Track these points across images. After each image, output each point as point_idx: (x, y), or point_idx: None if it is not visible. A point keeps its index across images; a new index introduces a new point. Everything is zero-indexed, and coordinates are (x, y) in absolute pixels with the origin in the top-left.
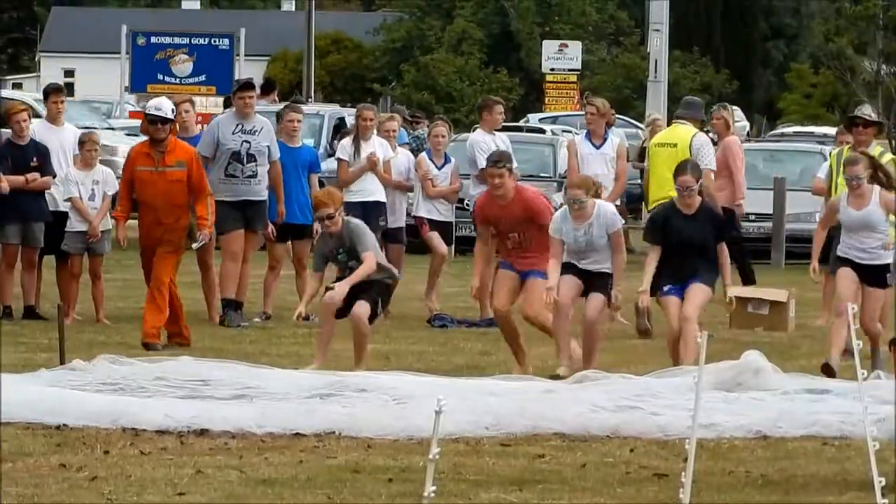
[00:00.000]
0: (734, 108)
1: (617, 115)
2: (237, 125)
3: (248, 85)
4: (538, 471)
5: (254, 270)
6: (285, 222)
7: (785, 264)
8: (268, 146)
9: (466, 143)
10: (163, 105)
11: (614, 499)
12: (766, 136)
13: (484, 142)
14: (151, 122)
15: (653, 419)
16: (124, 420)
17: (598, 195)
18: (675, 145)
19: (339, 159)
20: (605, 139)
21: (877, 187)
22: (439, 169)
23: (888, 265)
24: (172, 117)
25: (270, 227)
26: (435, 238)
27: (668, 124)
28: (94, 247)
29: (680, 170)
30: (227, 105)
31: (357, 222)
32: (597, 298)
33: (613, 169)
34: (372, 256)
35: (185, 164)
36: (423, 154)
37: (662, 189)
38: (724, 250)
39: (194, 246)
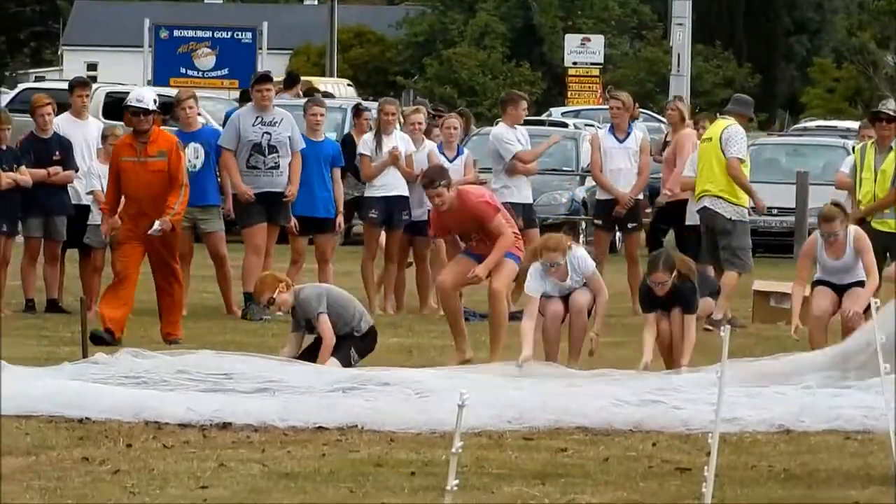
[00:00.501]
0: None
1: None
2: (257, 117)
3: (264, 77)
4: (561, 465)
5: (278, 264)
6: (307, 216)
7: None
8: (289, 136)
9: (489, 136)
10: (144, 96)
11: (637, 493)
12: (788, 130)
13: (507, 136)
14: (134, 114)
15: (675, 413)
16: (147, 413)
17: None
18: (711, 139)
19: (361, 154)
20: (628, 133)
21: (851, 230)
22: (451, 162)
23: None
24: (154, 108)
25: (293, 221)
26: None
27: (692, 117)
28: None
29: (652, 266)
30: (243, 99)
31: (306, 294)
32: (583, 294)
33: (636, 163)
34: (325, 321)
35: (167, 153)
36: (434, 147)
37: (703, 183)
38: (690, 326)
39: (150, 231)
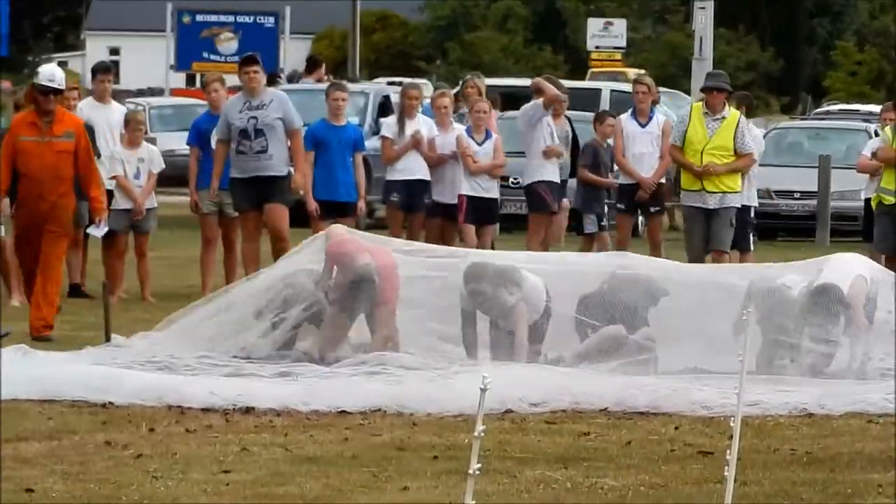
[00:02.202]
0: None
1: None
2: (245, 102)
3: (249, 59)
4: (583, 448)
5: None
6: (329, 200)
7: (830, 242)
8: (279, 118)
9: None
10: (55, 75)
11: (659, 476)
12: (811, 114)
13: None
14: (42, 93)
15: (698, 395)
16: (170, 398)
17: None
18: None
19: (383, 137)
20: (650, 118)
21: None
22: (480, 145)
23: None
24: (64, 88)
25: (315, 206)
26: (468, 231)
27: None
28: (139, 225)
29: None
30: (269, 84)
31: None
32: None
33: (659, 147)
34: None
35: (74, 134)
36: (463, 131)
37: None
38: None
39: (93, 232)
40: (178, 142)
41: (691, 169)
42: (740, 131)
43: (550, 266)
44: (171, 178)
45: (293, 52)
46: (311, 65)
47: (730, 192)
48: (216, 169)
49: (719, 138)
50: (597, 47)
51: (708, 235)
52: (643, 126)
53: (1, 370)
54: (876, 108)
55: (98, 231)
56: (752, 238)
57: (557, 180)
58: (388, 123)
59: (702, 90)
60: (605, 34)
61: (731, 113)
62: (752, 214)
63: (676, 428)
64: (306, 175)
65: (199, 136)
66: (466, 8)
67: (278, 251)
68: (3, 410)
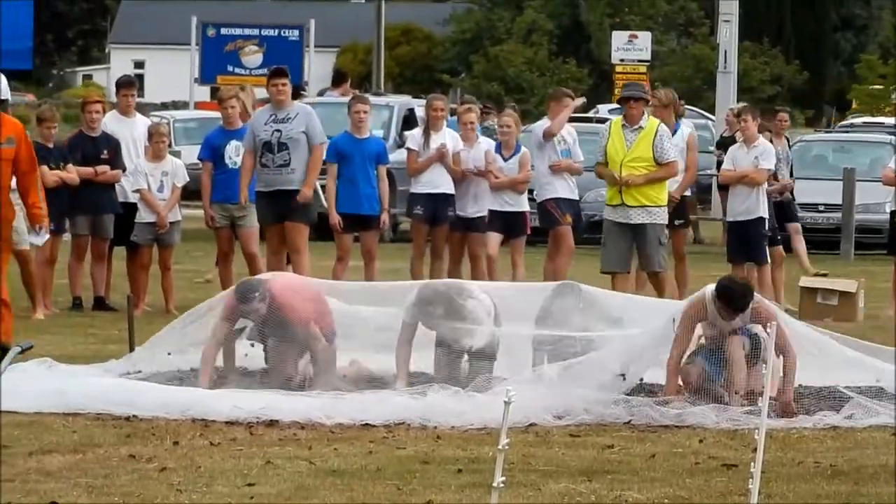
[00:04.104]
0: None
1: (687, 107)
2: (270, 115)
3: (278, 71)
4: (607, 461)
5: (324, 262)
6: (352, 213)
7: (854, 255)
8: (303, 132)
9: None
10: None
11: (683, 489)
12: (835, 126)
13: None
14: None
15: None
16: (194, 411)
17: None
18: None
19: (408, 149)
20: (674, 130)
21: None
22: (506, 161)
23: None
24: (8, 98)
25: (338, 219)
26: (491, 239)
27: (738, 116)
28: (163, 238)
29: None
30: (294, 97)
31: None
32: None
33: (683, 159)
34: None
35: (15, 140)
36: (492, 146)
37: None
38: None
39: (34, 240)
40: None
41: (613, 179)
42: (659, 140)
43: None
44: (194, 191)
45: (318, 66)
46: (338, 78)
47: (653, 206)
48: (243, 180)
49: (638, 149)
50: (621, 60)
51: (627, 253)
52: None
53: (24, 383)
54: None
55: (38, 239)
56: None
57: (570, 196)
58: (414, 136)
59: (618, 102)
60: (629, 47)
61: (650, 122)
62: (766, 227)
63: (701, 441)
64: (310, 188)
65: (211, 152)
66: (491, 21)
67: (295, 265)
68: (27, 424)
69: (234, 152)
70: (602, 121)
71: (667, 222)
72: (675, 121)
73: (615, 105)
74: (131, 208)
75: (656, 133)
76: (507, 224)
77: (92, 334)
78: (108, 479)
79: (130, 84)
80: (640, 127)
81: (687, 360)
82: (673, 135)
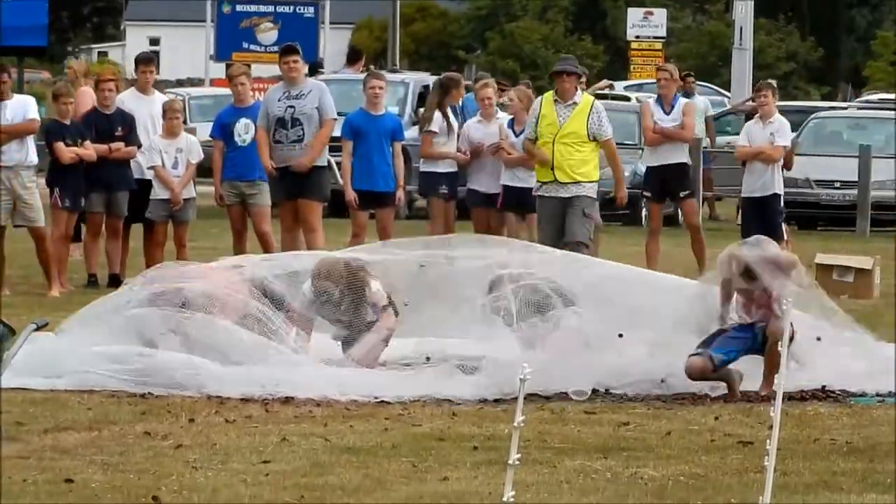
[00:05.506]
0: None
1: (701, 83)
2: (284, 91)
3: (290, 49)
4: (623, 438)
5: (341, 237)
6: (367, 190)
7: (870, 232)
8: (316, 108)
9: None
10: None
11: (699, 466)
12: (851, 103)
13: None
14: None
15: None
16: (209, 388)
17: None
18: None
19: (430, 132)
20: (673, 105)
21: None
22: (517, 136)
23: None
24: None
25: (353, 195)
26: (508, 218)
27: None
28: (177, 215)
29: None
30: (311, 74)
31: None
32: None
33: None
34: None
35: None
36: (505, 121)
37: None
38: None
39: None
40: None
41: (544, 159)
42: (596, 116)
43: None
44: (209, 168)
45: (333, 43)
46: (353, 56)
47: (585, 181)
48: (262, 152)
49: (571, 125)
50: (637, 37)
51: (563, 228)
52: (667, 114)
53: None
54: None
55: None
56: (784, 227)
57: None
58: (436, 118)
59: (550, 75)
60: (644, 24)
61: (584, 98)
62: (781, 203)
63: (716, 418)
64: (310, 160)
65: (222, 129)
66: None
67: (309, 243)
68: (42, 401)
69: (244, 130)
70: (618, 97)
71: (595, 196)
72: (674, 95)
73: (631, 82)
74: (146, 185)
75: (591, 109)
76: (520, 198)
77: None
78: (123, 457)
79: (149, 60)
80: (575, 103)
81: (694, 352)
82: (672, 110)
